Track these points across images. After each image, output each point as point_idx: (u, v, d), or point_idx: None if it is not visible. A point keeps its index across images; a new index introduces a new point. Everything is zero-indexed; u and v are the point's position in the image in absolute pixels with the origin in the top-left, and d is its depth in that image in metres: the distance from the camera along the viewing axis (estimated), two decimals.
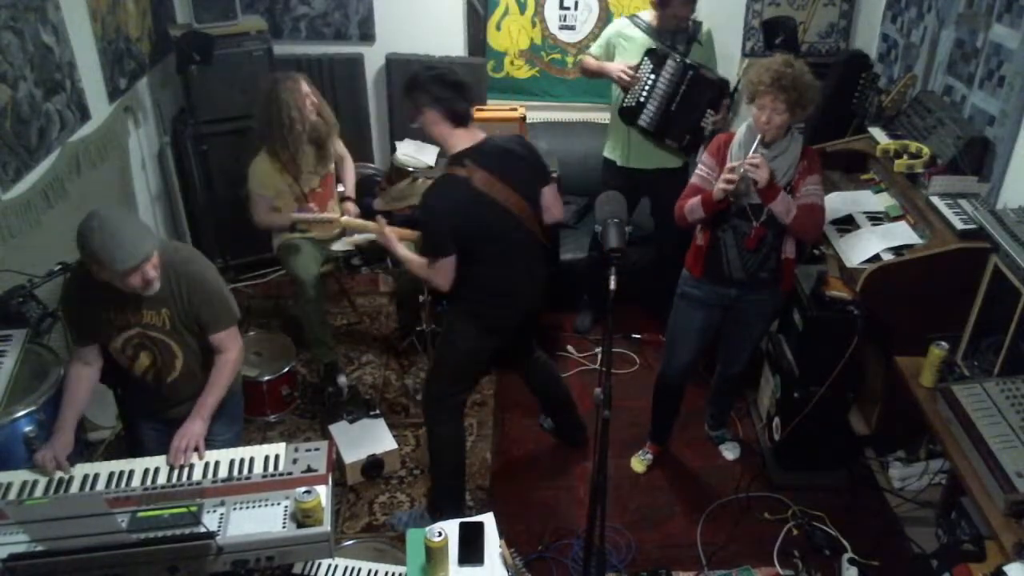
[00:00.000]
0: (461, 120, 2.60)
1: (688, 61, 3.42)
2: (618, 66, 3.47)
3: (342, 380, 3.64)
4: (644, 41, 3.49)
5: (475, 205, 2.56)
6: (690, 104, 3.45)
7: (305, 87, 3.37)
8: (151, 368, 2.40)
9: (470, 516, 2.14)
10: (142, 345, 2.35)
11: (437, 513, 2.96)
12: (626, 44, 3.53)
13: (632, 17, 3.58)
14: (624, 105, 3.51)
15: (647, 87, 3.44)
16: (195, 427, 2.28)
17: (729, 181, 2.60)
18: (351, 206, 3.64)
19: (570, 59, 4.63)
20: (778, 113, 2.56)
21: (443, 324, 2.96)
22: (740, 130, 2.75)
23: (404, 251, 2.77)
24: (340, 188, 3.74)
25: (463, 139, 2.62)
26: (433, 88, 2.54)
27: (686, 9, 3.40)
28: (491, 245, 2.64)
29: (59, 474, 2.19)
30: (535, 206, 2.75)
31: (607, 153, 3.78)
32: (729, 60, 4.56)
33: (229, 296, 2.44)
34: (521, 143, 2.77)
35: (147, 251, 2.14)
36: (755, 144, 2.61)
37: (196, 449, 2.24)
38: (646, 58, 3.43)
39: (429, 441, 2.99)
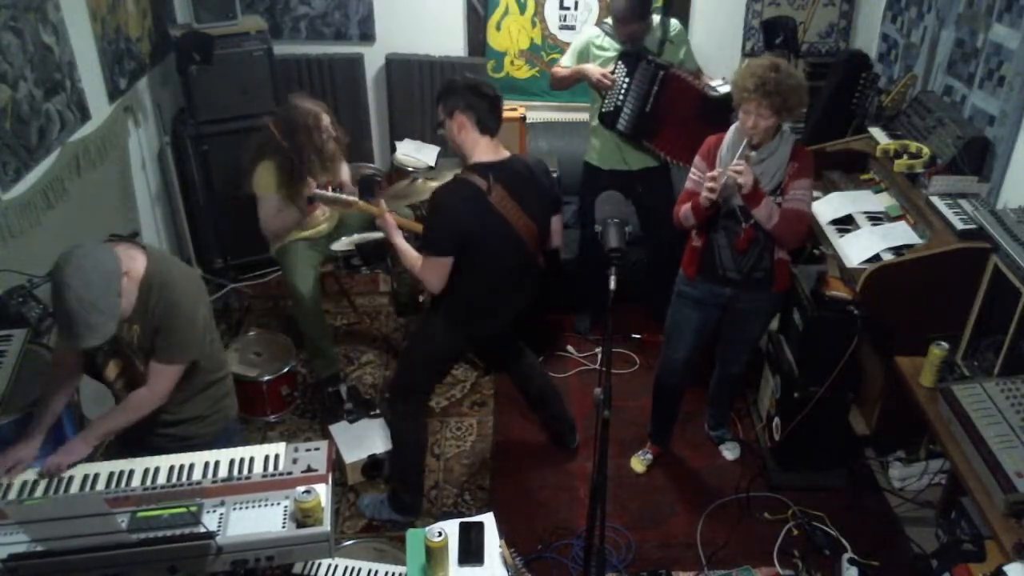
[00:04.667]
0: (489, 130, 2.64)
1: (659, 62, 3.42)
2: (597, 69, 3.48)
3: (344, 389, 3.63)
4: (616, 47, 3.49)
5: (485, 218, 2.60)
6: (667, 106, 3.44)
7: (325, 122, 3.38)
8: (120, 378, 2.32)
9: (470, 516, 2.14)
10: (113, 352, 2.28)
11: (398, 503, 3.04)
12: (600, 52, 3.53)
13: (602, 24, 3.59)
14: (603, 110, 3.52)
15: (623, 91, 3.44)
16: (75, 447, 2.20)
17: (711, 189, 2.61)
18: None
19: None
20: (764, 118, 2.55)
21: (421, 319, 2.99)
22: (729, 133, 2.75)
23: (402, 242, 2.78)
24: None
25: (487, 150, 2.65)
26: (469, 95, 2.59)
27: (640, 28, 3.40)
28: (488, 260, 2.67)
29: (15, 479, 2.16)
30: (542, 232, 2.80)
31: (587, 157, 3.78)
32: (729, 60, 4.57)
33: (189, 335, 2.25)
34: (543, 169, 2.82)
35: (97, 340, 2.02)
36: (742, 148, 2.60)
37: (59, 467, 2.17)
38: (620, 62, 3.43)
39: (393, 433, 3.03)
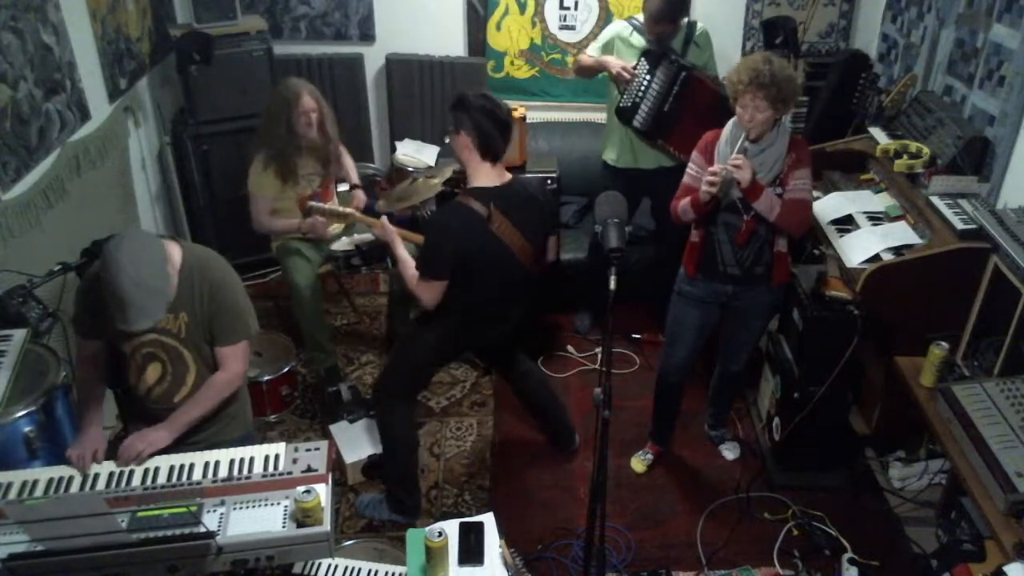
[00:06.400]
0: (491, 157, 2.64)
1: (683, 62, 3.43)
2: (618, 61, 3.49)
3: (344, 389, 3.63)
4: (642, 44, 3.50)
5: (486, 244, 2.63)
6: (685, 107, 3.44)
7: (306, 102, 3.34)
8: (160, 383, 2.32)
9: (470, 516, 2.14)
10: (153, 355, 2.28)
11: (395, 503, 3.05)
12: (625, 47, 3.54)
13: (631, 20, 3.60)
14: (620, 105, 3.53)
15: (643, 87, 3.45)
16: (159, 436, 2.24)
17: (712, 184, 2.63)
18: (360, 193, 3.67)
19: (570, 59, 4.63)
20: (760, 111, 2.58)
21: (412, 323, 3.01)
22: (727, 127, 2.77)
23: (404, 253, 2.82)
24: (343, 187, 3.76)
25: (488, 175, 2.66)
26: (478, 116, 2.57)
27: (669, 28, 3.41)
28: (485, 280, 2.71)
29: (94, 469, 2.17)
30: (538, 252, 2.83)
31: (605, 156, 3.79)
32: (729, 60, 4.57)
33: (247, 309, 2.36)
34: (542, 192, 2.84)
35: (149, 322, 2.06)
36: (740, 142, 2.63)
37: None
38: (643, 59, 3.44)
39: (384, 435, 3.03)
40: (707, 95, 3.46)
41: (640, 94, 3.46)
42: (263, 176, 3.40)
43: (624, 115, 3.53)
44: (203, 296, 2.25)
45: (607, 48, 3.59)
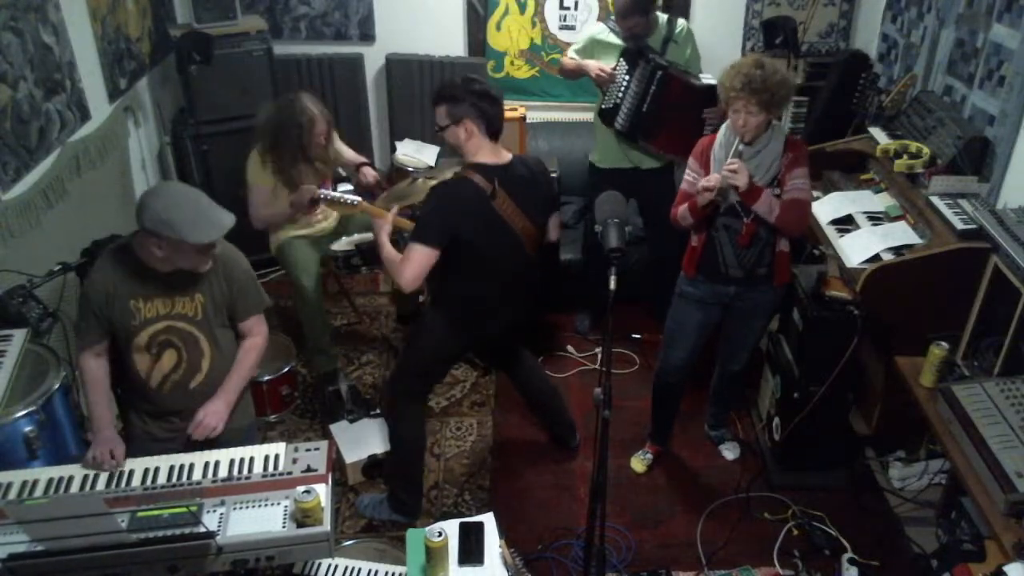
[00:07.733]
0: (496, 135, 2.64)
1: (659, 61, 3.41)
2: (596, 64, 3.48)
3: (344, 389, 3.63)
4: (620, 45, 3.49)
5: (485, 220, 2.60)
6: (664, 106, 3.42)
7: (320, 127, 3.34)
8: (175, 371, 2.34)
9: (470, 516, 2.14)
10: (168, 342, 2.32)
11: (396, 503, 3.04)
12: (603, 48, 3.54)
13: (607, 21, 3.60)
14: (603, 108, 3.53)
15: (622, 88, 3.44)
16: (219, 407, 2.35)
17: (708, 189, 2.64)
18: (369, 170, 3.64)
19: None
20: (753, 116, 2.58)
21: (419, 321, 2.99)
22: (721, 131, 2.77)
23: (387, 241, 2.72)
24: (346, 186, 3.76)
25: (489, 152, 2.64)
26: (479, 102, 2.56)
27: (641, 24, 3.40)
28: (487, 262, 2.68)
29: (128, 466, 2.21)
30: (541, 233, 2.81)
31: (592, 157, 3.79)
32: (729, 61, 4.55)
33: (258, 281, 2.49)
34: (542, 170, 2.81)
35: (230, 222, 2.21)
36: (734, 147, 2.62)
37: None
38: (622, 59, 3.43)
39: (391, 433, 3.03)
40: (685, 93, 3.44)
41: (620, 95, 3.46)
42: (262, 171, 3.40)
43: (606, 117, 3.53)
44: (218, 276, 2.33)
45: (585, 51, 3.58)
